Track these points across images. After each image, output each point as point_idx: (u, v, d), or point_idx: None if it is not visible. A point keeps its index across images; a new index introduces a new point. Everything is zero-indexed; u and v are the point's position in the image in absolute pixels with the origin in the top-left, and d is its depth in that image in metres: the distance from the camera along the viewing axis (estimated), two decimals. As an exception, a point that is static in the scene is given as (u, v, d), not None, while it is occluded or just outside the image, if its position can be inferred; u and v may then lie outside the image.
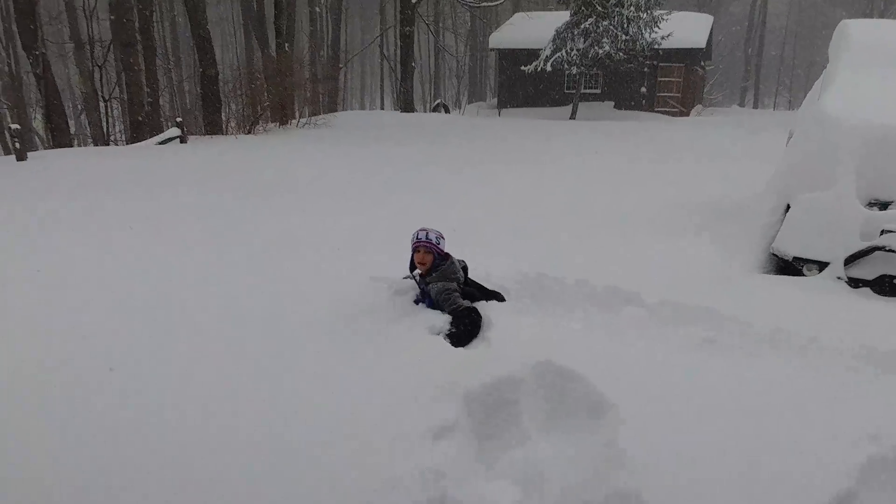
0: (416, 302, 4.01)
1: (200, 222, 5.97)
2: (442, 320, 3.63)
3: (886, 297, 4.39)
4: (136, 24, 16.70)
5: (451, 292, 3.78)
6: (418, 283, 4.03)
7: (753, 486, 2.33)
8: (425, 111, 33.86)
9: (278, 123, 17.58)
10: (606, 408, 2.84)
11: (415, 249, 3.98)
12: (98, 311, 3.55)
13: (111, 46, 18.83)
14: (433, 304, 3.87)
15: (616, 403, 2.83)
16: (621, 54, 21.64)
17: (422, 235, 3.96)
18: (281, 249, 5.02)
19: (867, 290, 4.48)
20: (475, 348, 3.40)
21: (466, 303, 3.76)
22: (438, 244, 3.96)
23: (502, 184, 8.65)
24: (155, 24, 21.35)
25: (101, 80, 19.30)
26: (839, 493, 2.30)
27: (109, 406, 2.63)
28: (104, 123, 19.16)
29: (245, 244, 5.14)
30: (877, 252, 4.42)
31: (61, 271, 4.26)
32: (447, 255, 4.02)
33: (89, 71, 19.68)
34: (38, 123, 25.01)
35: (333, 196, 7.51)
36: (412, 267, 4.09)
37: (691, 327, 3.80)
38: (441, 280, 3.85)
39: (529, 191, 8.30)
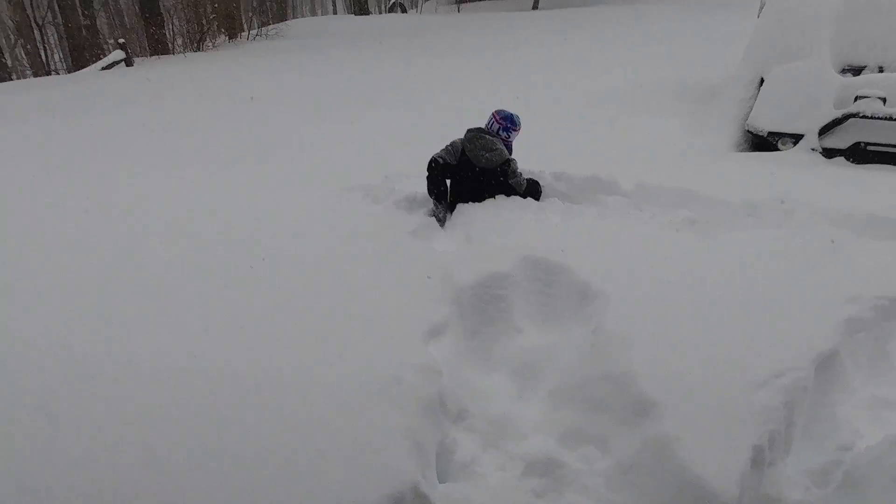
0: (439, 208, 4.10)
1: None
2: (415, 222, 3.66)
3: (861, 165, 4.43)
4: (59, -61, 15.32)
5: (450, 146, 3.94)
6: None
7: (740, 351, 2.40)
8: (380, 13, 32.28)
9: (227, 37, 16.64)
10: (593, 296, 2.88)
11: None
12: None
13: (35, -34, 17.37)
14: None
15: (602, 290, 2.86)
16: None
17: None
18: (267, 179, 4.74)
19: (841, 159, 4.50)
20: (459, 246, 3.38)
21: (529, 202, 3.85)
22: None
23: (469, 87, 8.36)
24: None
25: (31, 5, 17.94)
26: (822, 352, 2.39)
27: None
28: (42, 52, 18.00)
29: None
30: (850, 120, 4.40)
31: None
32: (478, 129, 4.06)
33: (17, -4, 18.22)
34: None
35: (303, 122, 7.11)
36: None
37: (671, 209, 3.82)
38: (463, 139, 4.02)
39: (500, 88, 8.06)
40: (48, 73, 17.62)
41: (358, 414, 2.14)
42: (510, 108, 4.11)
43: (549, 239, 3.32)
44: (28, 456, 1.93)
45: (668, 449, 2.09)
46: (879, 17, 4.67)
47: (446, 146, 3.91)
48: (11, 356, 2.37)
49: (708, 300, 2.73)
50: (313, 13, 49.36)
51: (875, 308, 2.60)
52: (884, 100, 4.32)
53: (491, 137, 3.91)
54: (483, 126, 3.99)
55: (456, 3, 29.23)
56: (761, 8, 6.33)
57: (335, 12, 43.05)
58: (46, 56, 18.24)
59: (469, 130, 3.96)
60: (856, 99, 4.42)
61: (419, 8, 35.05)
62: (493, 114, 4.01)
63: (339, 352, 2.41)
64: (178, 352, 2.40)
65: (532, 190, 3.98)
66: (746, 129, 5.06)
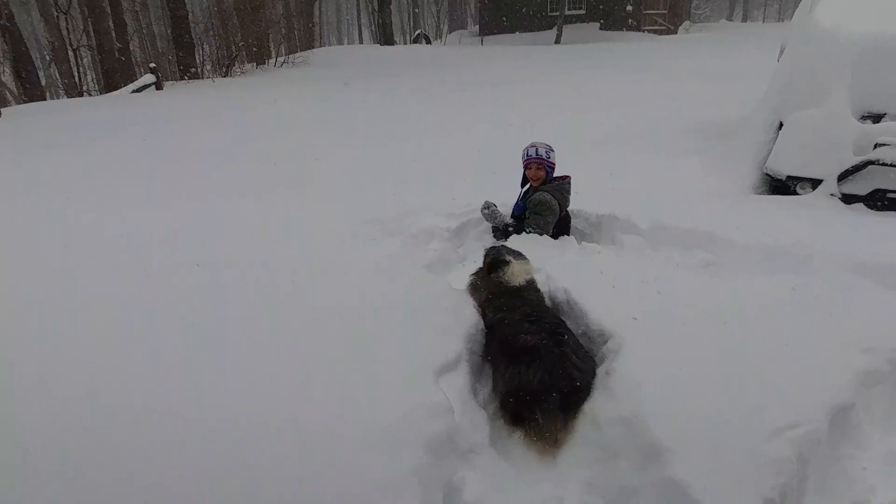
0: (500, 231, 3.99)
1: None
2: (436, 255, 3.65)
3: (880, 212, 4.40)
4: (98, -35, 15.88)
5: (546, 209, 3.76)
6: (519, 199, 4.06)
7: (752, 399, 2.37)
8: (406, 43, 32.85)
9: (255, 64, 17.05)
10: (607, 336, 2.88)
11: (526, 166, 4.00)
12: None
13: (74, -10, 18.00)
14: (520, 212, 3.91)
15: (616, 331, 2.85)
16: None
17: (531, 152, 3.96)
18: (292, 210, 4.81)
19: (861, 205, 4.48)
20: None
21: (545, 239, 3.74)
22: (548, 158, 3.97)
23: (494, 119, 8.47)
24: (117, -37, 20.30)
25: (67, 27, 18.55)
26: (836, 404, 2.35)
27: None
28: (75, 73, 18.54)
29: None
30: (870, 166, 4.39)
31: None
32: (565, 177, 4.03)
33: (54, 18, 18.86)
34: (6, 77, 24.15)
35: (322, 151, 7.27)
36: (524, 184, 4.12)
37: (688, 250, 3.83)
38: (550, 192, 3.84)
39: (523, 123, 8.15)
40: (81, 94, 18.13)
41: (366, 452, 2.14)
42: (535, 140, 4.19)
43: (564, 278, 3.34)
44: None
45: (679, 497, 2.07)
46: (899, 65, 4.69)
47: (551, 217, 3.81)
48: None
49: (722, 345, 2.71)
50: (340, 42, 50.34)
51: (891, 361, 2.57)
52: (904, 147, 4.31)
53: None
54: (527, 163, 4.01)
55: (479, 35, 29.71)
56: (781, 52, 6.38)
57: (361, 41, 43.92)
58: (80, 77, 18.77)
59: (569, 186, 4.02)
60: (875, 146, 4.42)
61: (443, 39, 35.62)
62: (548, 149, 4.03)
63: (348, 389, 2.41)
64: (171, 392, 2.33)
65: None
66: (765, 171, 5.06)
